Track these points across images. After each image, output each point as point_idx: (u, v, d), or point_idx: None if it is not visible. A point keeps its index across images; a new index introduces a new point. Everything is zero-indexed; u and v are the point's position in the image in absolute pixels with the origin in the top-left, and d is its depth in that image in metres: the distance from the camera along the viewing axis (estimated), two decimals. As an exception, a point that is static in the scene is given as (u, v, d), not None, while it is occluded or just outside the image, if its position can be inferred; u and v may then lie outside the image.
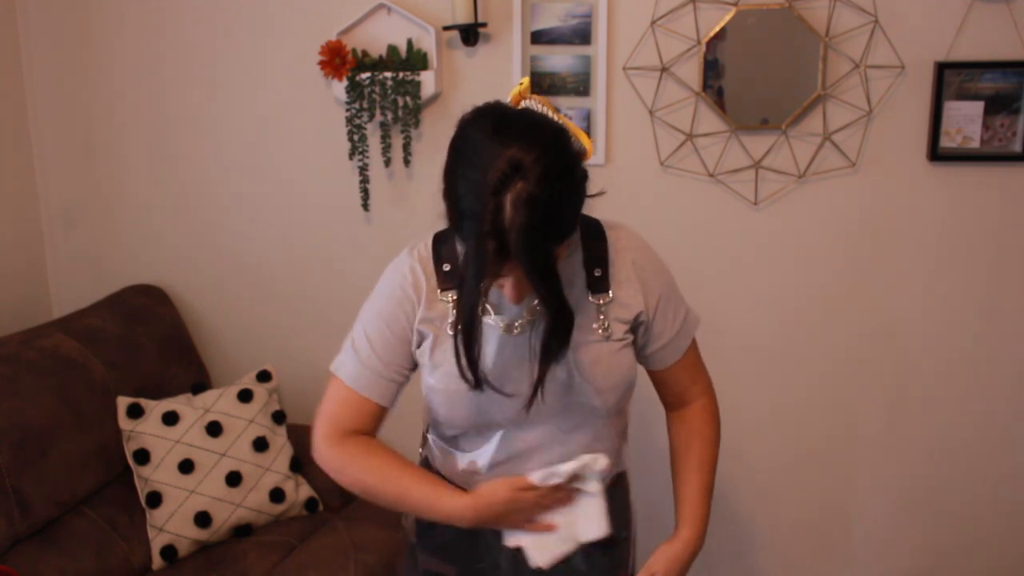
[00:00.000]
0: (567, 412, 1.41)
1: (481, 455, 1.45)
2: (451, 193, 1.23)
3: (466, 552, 1.50)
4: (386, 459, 1.42)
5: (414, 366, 1.45)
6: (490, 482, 1.39)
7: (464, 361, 1.30)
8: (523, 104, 1.31)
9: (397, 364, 1.42)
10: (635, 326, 1.44)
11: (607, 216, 1.49)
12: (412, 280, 1.40)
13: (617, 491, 1.55)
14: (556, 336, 1.28)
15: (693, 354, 1.52)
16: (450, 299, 1.38)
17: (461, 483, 1.47)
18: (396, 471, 1.41)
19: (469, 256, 1.20)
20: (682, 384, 1.53)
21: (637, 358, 1.49)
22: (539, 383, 1.32)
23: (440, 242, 1.43)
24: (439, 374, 1.39)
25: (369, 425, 1.44)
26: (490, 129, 1.20)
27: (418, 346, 1.42)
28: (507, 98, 1.33)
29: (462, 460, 1.47)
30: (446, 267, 1.39)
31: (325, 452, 1.43)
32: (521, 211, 1.15)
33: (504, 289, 1.28)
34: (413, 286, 1.40)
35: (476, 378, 1.31)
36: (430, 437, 1.56)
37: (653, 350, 1.47)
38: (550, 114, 1.29)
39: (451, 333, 1.37)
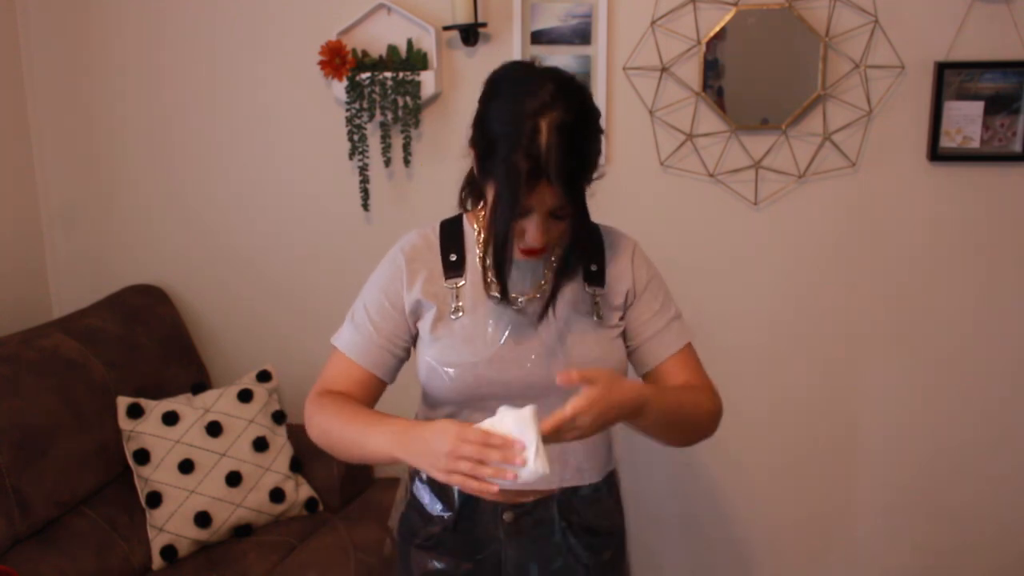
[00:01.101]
0: (561, 401, 1.41)
1: None
2: (484, 125, 1.30)
3: (460, 547, 1.50)
4: (347, 403, 1.39)
5: (413, 340, 1.48)
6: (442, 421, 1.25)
7: (496, 283, 1.36)
8: None
9: (393, 333, 1.45)
10: (624, 308, 1.47)
11: (606, 215, 1.51)
12: (413, 254, 1.45)
13: (609, 487, 1.56)
14: (577, 251, 1.37)
15: (690, 356, 1.49)
16: (455, 285, 1.43)
17: None
18: (349, 411, 1.37)
19: (502, 178, 1.26)
20: (679, 380, 1.47)
21: (629, 359, 1.50)
22: (552, 295, 1.38)
23: (447, 228, 1.48)
24: (440, 347, 1.42)
25: (360, 394, 1.44)
26: (526, 70, 1.34)
27: (419, 318, 1.45)
28: None
29: None
30: (452, 257, 1.44)
31: (305, 408, 1.44)
32: (555, 133, 1.23)
33: (527, 233, 1.32)
34: (414, 259, 1.45)
35: (505, 296, 1.37)
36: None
37: (642, 340, 1.47)
38: None
39: (454, 317, 1.42)
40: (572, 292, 1.44)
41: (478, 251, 1.45)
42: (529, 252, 1.36)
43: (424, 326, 1.44)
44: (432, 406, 1.49)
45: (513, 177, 1.24)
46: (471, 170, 1.44)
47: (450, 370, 1.41)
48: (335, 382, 1.45)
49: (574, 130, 1.25)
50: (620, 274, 1.47)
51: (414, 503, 1.54)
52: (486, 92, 1.34)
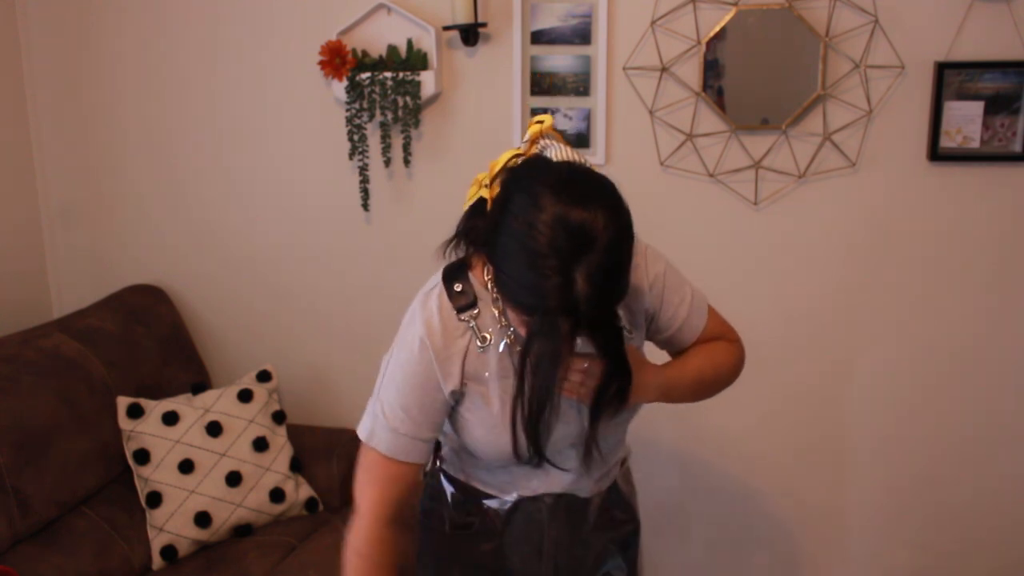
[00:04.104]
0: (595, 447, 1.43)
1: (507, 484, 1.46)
2: (506, 258, 1.15)
3: (502, 532, 1.51)
4: None
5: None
6: None
7: (532, 444, 1.26)
8: (541, 143, 1.30)
9: (434, 423, 1.37)
10: (646, 320, 1.46)
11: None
12: (441, 346, 1.32)
13: (625, 476, 1.60)
14: (618, 395, 1.26)
15: (714, 320, 1.51)
16: (470, 319, 1.32)
17: (478, 480, 1.48)
18: None
19: (536, 334, 1.14)
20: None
21: (659, 346, 1.52)
22: (591, 439, 1.31)
23: (450, 279, 1.35)
24: (479, 414, 1.36)
25: (412, 485, 1.41)
26: (548, 194, 1.12)
27: (456, 403, 1.38)
28: (524, 134, 1.32)
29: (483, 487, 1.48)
30: (457, 287, 1.33)
31: (365, 532, 1.38)
32: (593, 284, 1.10)
33: None
34: (443, 350, 1.32)
35: (541, 457, 1.29)
36: (445, 452, 1.55)
37: (673, 331, 1.47)
38: (575, 158, 1.26)
39: (480, 346, 1.33)
40: None
41: (495, 317, 1.33)
42: None
43: (460, 407, 1.38)
44: (469, 453, 1.45)
45: (555, 337, 1.12)
46: (465, 219, 1.36)
47: (491, 433, 1.36)
48: (393, 492, 1.38)
49: (612, 270, 1.12)
50: (632, 287, 1.39)
51: (439, 502, 1.54)
52: (503, 208, 1.17)
